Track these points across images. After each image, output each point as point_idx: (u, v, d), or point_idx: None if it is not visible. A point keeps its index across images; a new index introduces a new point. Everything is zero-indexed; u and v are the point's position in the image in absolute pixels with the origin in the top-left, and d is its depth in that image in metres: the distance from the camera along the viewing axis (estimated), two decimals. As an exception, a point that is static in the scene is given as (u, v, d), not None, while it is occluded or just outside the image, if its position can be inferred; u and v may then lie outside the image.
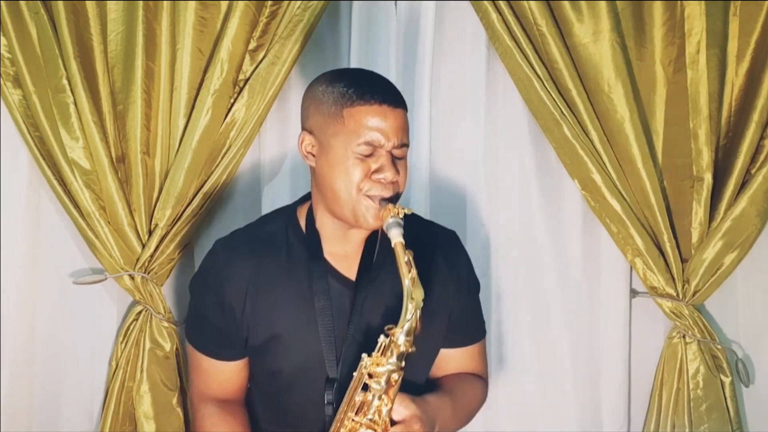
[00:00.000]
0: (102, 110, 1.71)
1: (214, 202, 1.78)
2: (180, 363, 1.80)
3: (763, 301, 1.81)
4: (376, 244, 1.38)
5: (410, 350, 1.24)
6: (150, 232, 1.75)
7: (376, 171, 1.27)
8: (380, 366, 1.24)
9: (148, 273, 1.75)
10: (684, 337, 1.78)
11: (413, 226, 1.31)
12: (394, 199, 1.29)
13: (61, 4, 1.66)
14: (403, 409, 1.26)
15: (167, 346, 1.78)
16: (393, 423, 1.26)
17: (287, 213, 1.42)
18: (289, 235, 1.38)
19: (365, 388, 1.26)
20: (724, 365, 1.77)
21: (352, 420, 1.26)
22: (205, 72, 1.72)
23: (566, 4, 1.70)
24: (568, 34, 1.71)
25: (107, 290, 1.82)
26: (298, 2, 1.71)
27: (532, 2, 1.69)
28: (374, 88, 1.28)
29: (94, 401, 1.82)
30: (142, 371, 1.77)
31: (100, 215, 1.72)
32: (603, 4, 1.68)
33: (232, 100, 1.74)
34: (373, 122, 1.26)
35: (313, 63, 1.82)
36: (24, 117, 1.72)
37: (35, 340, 1.81)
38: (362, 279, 1.36)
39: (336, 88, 1.28)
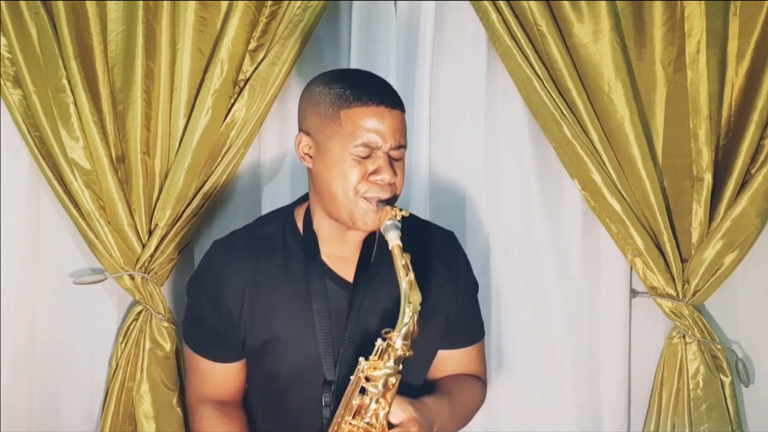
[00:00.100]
0: (102, 110, 1.71)
1: (214, 202, 1.78)
2: (180, 363, 1.80)
3: (763, 301, 1.81)
4: (373, 246, 1.37)
5: (407, 354, 1.24)
6: (150, 232, 1.75)
7: (374, 173, 1.27)
8: (377, 370, 1.24)
9: (148, 273, 1.75)
10: (684, 337, 1.78)
11: (411, 226, 1.31)
12: (391, 200, 1.29)
13: (61, 4, 1.66)
14: (400, 412, 1.26)
15: (167, 346, 1.78)
16: (390, 426, 1.26)
17: (285, 214, 1.42)
18: (286, 237, 1.38)
19: (362, 391, 1.25)
20: (724, 365, 1.77)
21: (350, 423, 1.26)
22: (205, 72, 1.72)
23: (566, 4, 1.70)
24: (568, 34, 1.71)
25: (107, 290, 1.82)
26: (298, 2, 1.71)
27: (532, 2, 1.69)
28: (371, 90, 1.28)
29: (94, 401, 1.82)
30: (142, 371, 1.77)
31: (100, 215, 1.72)
32: (603, 4, 1.68)
33: (232, 100, 1.74)
34: (370, 124, 1.25)
35: (313, 63, 1.82)
36: (24, 117, 1.72)
37: (35, 340, 1.81)
38: (360, 281, 1.36)
39: (333, 89, 1.28)
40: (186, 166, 1.71)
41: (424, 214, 1.78)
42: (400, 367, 1.24)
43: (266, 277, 1.35)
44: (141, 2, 1.68)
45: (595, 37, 1.70)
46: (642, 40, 1.74)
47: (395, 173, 1.28)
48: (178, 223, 1.74)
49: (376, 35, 1.80)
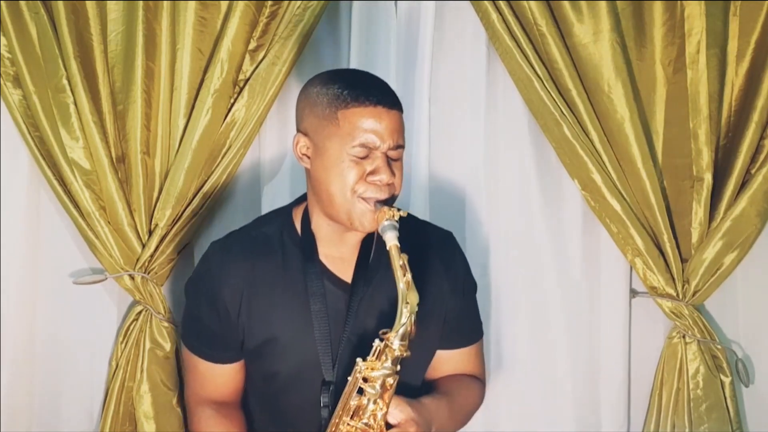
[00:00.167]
0: (102, 110, 1.71)
1: (214, 202, 1.78)
2: (180, 363, 1.80)
3: (763, 301, 1.81)
4: (372, 247, 1.37)
5: (405, 354, 1.23)
6: (150, 232, 1.75)
7: (372, 173, 1.26)
8: (375, 370, 1.23)
9: (148, 273, 1.75)
10: (684, 337, 1.78)
11: (409, 227, 1.30)
12: (389, 201, 1.28)
13: (61, 4, 1.66)
14: (398, 412, 1.26)
15: (167, 346, 1.78)
16: (389, 426, 1.26)
17: (283, 215, 1.42)
18: (284, 238, 1.37)
19: (360, 392, 1.25)
20: (724, 365, 1.77)
21: (348, 424, 1.26)
22: (205, 72, 1.72)
23: (566, 4, 1.70)
24: (568, 34, 1.71)
25: (107, 290, 1.82)
26: (298, 2, 1.71)
27: (532, 2, 1.69)
28: (369, 90, 1.27)
29: (94, 401, 1.82)
30: (142, 371, 1.77)
31: (100, 215, 1.72)
32: (603, 4, 1.68)
33: (232, 100, 1.74)
34: (368, 124, 1.25)
35: (313, 63, 1.82)
36: (24, 117, 1.72)
37: (35, 340, 1.81)
38: (358, 281, 1.35)
39: (330, 89, 1.28)
40: (186, 166, 1.71)
41: (423, 214, 1.78)
42: (398, 367, 1.24)
43: (264, 278, 1.34)
44: (141, 2, 1.68)
45: (595, 37, 1.70)
46: (642, 40, 1.74)
47: (393, 173, 1.28)
48: (178, 223, 1.74)
49: (376, 35, 1.80)
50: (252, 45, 1.74)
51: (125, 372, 1.77)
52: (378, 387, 1.23)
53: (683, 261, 1.75)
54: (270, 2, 1.72)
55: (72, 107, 1.68)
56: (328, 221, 1.33)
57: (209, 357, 1.39)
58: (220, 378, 1.40)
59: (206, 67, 1.72)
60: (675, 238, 1.74)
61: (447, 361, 1.47)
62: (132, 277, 1.75)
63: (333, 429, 1.28)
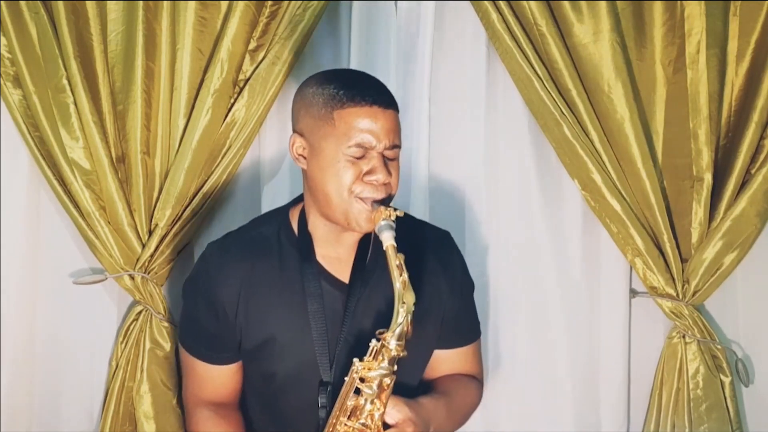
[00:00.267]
0: (102, 110, 1.71)
1: (214, 202, 1.78)
2: (180, 363, 1.80)
3: (763, 301, 1.81)
4: (369, 247, 1.37)
5: (402, 354, 1.23)
6: (150, 232, 1.75)
7: (368, 173, 1.26)
8: (372, 370, 1.23)
9: (148, 273, 1.75)
10: (684, 337, 1.78)
11: (406, 226, 1.30)
12: (386, 201, 1.28)
13: (61, 4, 1.66)
14: (396, 412, 1.26)
15: (167, 346, 1.78)
16: (386, 426, 1.26)
17: (280, 215, 1.41)
18: (281, 238, 1.37)
19: (357, 392, 1.25)
20: (724, 365, 1.77)
21: (345, 424, 1.26)
22: (205, 72, 1.72)
23: (566, 4, 1.70)
24: (568, 34, 1.71)
25: (107, 290, 1.82)
26: (298, 2, 1.71)
27: (532, 2, 1.69)
28: (364, 90, 1.27)
29: (94, 401, 1.82)
30: (142, 371, 1.76)
31: (100, 215, 1.72)
32: (603, 4, 1.68)
33: (232, 100, 1.74)
34: (363, 124, 1.25)
35: (313, 63, 1.82)
36: (24, 117, 1.72)
37: (35, 340, 1.81)
38: (355, 282, 1.35)
39: (326, 89, 1.28)
40: (186, 166, 1.71)
41: (423, 214, 1.78)
42: (395, 367, 1.24)
43: (261, 279, 1.34)
44: (141, 2, 1.68)
45: (595, 37, 1.70)
46: (642, 40, 1.74)
47: (390, 173, 1.28)
48: (178, 223, 1.74)
49: (376, 35, 1.80)
50: (252, 45, 1.74)
51: (125, 372, 1.77)
52: (375, 387, 1.23)
53: (683, 261, 1.75)
54: (270, 2, 1.72)
55: (72, 107, 1.68)
56: (324, 221, 1.33)
57: (207, 358, 1.39)
58: (218, 379, 1.39)
59: (206, 67, 1.72)
60: (675, 238, 1.74)
61: (445, 361, 1.47)
62: (132, 277, 1.75)
63: (330, 429, 1.27)
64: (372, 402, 1.24)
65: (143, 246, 1.74)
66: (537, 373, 1.85)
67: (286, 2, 1.72)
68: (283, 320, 1.34)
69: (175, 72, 1.72)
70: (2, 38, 1.70)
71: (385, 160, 1.28)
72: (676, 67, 1.73)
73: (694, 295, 1.74)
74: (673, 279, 1.75)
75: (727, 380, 1.77)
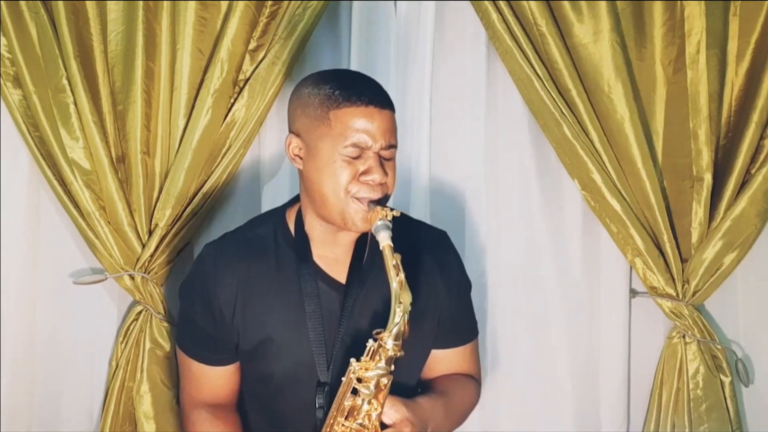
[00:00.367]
0: (102, 110, 1.71)
1: (214, 202, 1.78)
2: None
3: (763, 301, 1.81)
4: (365, 247, 1.37)
5: (399, 354, 1.23)
6: (150, 232, 1.75)
7: (364, 173, 1.26)
8: (369, 370, 1.23)
9: (148, 273, 1.75)
10: (684, 337, 1.78)
11: (403, 226, 1.30)
12: (382, 201, 1.28)
13: (61, 4, 1.66)
14: (393, 412, 1.25)
15: (167, 346, 1.78)
16: (384, 426, 1.26)
17: (276, 216, 1.41)
18: (278, 239, 1.37)
19: (355, 392, 1.25)
20: (724, 365, 1.77)
21: (342, 425, 1.26)
22: (205, 72, 1.72)
23: (566, 4, 1.70)
24: (568, 34, 1.71)
25: (107, 290, 1.82)
26: (298, 2, 1.71)
27: (532, 2, 1.69)
28: (360, 90, 1.27)
29: (94, 401, 1.82)
30: (142, 371, 1.77)
31: (100, 215, 1.72)
32: (603, 4, 1.68)
33: (232, 100, 1.74)
34: (359, 124, 1.25)
35: (313, 63, 1.82)
36: (24, 117, 1.72)
37: (35, 340, 1.81)
38: (352, 282, 1.35)
39: (322, 90, 1.27)
40: (186, 166, 1.71)
41: (424, 214, 1.79)
42: (392, 367, 1.24)
43: (258, 280, 1.34)
44: (141, 2, 1.68)
45: (595, 37, 1.70)
46: (642, 40, 1.74)
47: (386, 173, 1.27)
48: (178, 223, 1.74)
49: (376, 35, 1.80)
50: (252, 45, 1.74)
51: (125, 372, 1.77)
52: (372, 387, 1.23)
53: (683, 261, 1.75)
54: (270, 2, 1.72)
55: (72, 107, 1.68)
56: (321, 222, 1.33)
57: (204, 359, 1.38)
58: (215, 380, 1.39)
59: (206, 67, 1.72)
60: (675, 238, 1.74)
61: (442, 361, 1.47)
62: (132, 277, 1.75)
63: (328, 430, 1.27)
64: (369, 402, 1.24)
65: (143, 246, 1.74)
66: (537, 373, 1.85)
67: (286, 2, 1.72)
68: (281, 321, 1.34)
69: (175, 72, 1.72)
70: (2, 38, 1.70)
71: (382, 160, 1.27)
72: (676, 67, 1.73)
73: (694, 295, 1.74)
74: (673, 279, 1.75)
75: (727, 380, 1.77)
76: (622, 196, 1.73)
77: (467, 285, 1.51)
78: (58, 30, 1.67)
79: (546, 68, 1.72)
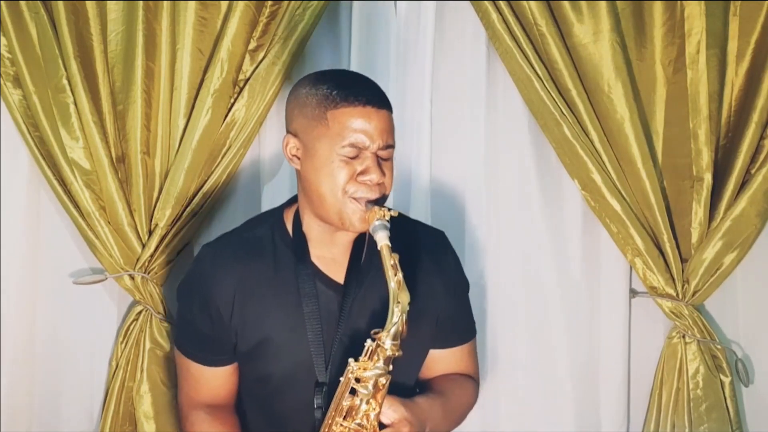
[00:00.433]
0: (102, 110, 1.71)
1: (214, 202, 1.78)
2: (180, 363, 1.80)
3: (763, 301, 1.81)
4: (363, 247, 1.37)
5: (397, 354, 1.23)
6: (150, 232, 1.75)
7: (362, 173, 1.26)
8: (367, 370, 1.23)
9: (148, 273, 1.75)
10: (684, 337, 1.78)
11: (400, 226, 1.30)
12: (380, 201, 1.28)
13: (61, 4, 1.66)
14: (391, 412, 1.25)
15: (167, 346, 1.78)
16: (382, 426, 1.26)
17: (274, 216, 1.41)
18: (275, 239, 1.37)
19: (353, 392, 1.25)
20: (724, 365, 1.77)
21: (341, 425, 1.26)
22: (205, 72, 1.72)
23: (566, 4, 1.70)
24: (568, 34, 1.71)
25: (107, 290, 1.82)
26: (298, 2, 1.71)
27: (532, 2, 1.69)
28: (358, 90, 1.27)
29: (94, 401, 1.82)
30: (142, 371, 1.77)
31: (100, 215, 1.72)
32: (603, 4, 1.68)
33: (232, 100, 1.74)
34: (357, 124, 1.25)
35: (313, 63, 1.82)
36: (24, 117, 1.72)
37: (35, 340, 1.81)
38: (350, 282, 1.35)
39: (319, 90, 1.27)
40: (186, 166, 1.71)
41: (424, 213, 1.79)
42: (390, 367, 1.24)
43: (256, 280, 1.34)
44: (141, 2, 1.69)
45: (595, 37, 1.70)
46: (642, 40, 1.74)
47: (383, 173, 1.27)
48: (178, 223, 1.74)
49: (376, 35, 1.80)
50: (252, 45, 1.74)
51: (125, 372, 1.77)
52: (370, 387, 1.23)
53: (683, 261, 1.75)
54: (270, 2, 1.72)
55: (72, 107, 1.68)
56: (318, 222, 1.33)
57: (202, 360, 1.38)
58: (213, 381, 1.39)
59: (206, 67, 1.72)
60: (675, 238, 1.74)
61: (440, 361, 1.47)
62: (132, 277, 1.75)
63: (326, 430, 1.27)
64: (368, 402, 1.24)
65: (143, 246, 1.74)
66: (537, 373, 1.85)
67: (286, 2, 1.72)
68: (279, 321, 1.33)
69: (175, 72, 1.72)
70: (2, 38, 1.71)
71: (379, 160, 1.27)
72: (676, 67, 1.73)
73: (694, 295, 1.74)
74: (673, 279, 1.75)
75: (727, 380, 1.77)
76: (622, 196, 1.73)
77: (465, 285, 1.51)
78: (58, 30, 1.67)
79: (546, 68, 1.72)
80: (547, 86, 1.72)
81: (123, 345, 1.78)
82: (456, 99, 1.84)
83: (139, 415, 1.76)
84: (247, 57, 1.74)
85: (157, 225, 1.73)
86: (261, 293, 1.34)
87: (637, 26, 1.73)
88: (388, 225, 1.23)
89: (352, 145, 1.25)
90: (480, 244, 1.84)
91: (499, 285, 1.85)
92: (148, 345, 1.77)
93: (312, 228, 1.35)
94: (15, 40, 1.70)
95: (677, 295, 1.75)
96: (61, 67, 1.67)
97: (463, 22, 1.81)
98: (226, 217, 1.84)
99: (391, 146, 1.29)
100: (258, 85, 1.73)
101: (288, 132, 1.33)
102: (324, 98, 1.26)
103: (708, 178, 1.71)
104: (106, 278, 1.77)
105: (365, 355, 1.24)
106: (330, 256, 1.36)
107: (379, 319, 1.25)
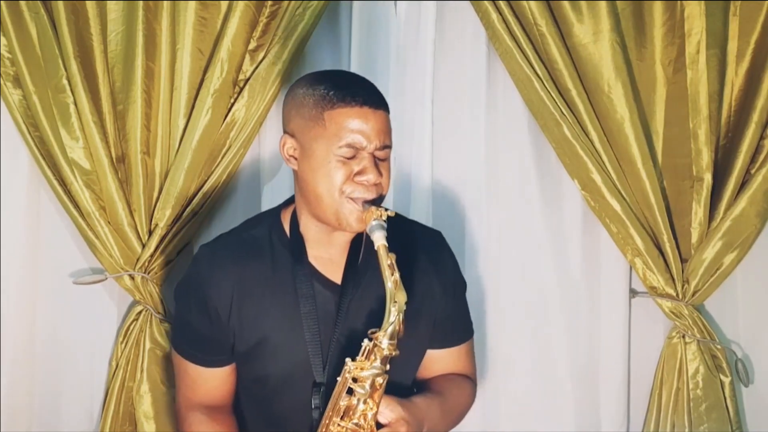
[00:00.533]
0: (102, 110, 1.71)
1: (214, 202, 1.78)
2: (180, 363, 1.80)
3: (763, 301, 1.81)
4: (361, 248, 1.37)
5: (394, 353, 1.23)
6: (150, 232, 1.75)
7: (359, 173, 1.26)
8: (364, 370, 1.23)
9: (148, 273, 1.75)
10: (684, 337, 1.78)
11: (398, 227, 1.30)
12: (377, 201, 1.28)
13: (61, 4, 1.66)
14: (389, 412, 1.25)
15: (167, 346, 1.78)
16: (379, 426, 1.26)
17: (271, 217, 1.41)
18: (273, 240, 1.37)
19: (350, 392, 1.25)
20: (724, 365, 1.77)
21: (338, 425, 1.25)
22: (205, 72, 1.72)
23: (566, 4, 1.70)
24: (568, 34, 1.71)
25: (107, 290, 1.82)
26: (298, 2, 1.71)
27: (532, 2, 1.69)
28: (355, 90, 1.27)
29: (94, 401, 1.82)
30: (142, 371, 1.77)
31: (100, 215, 1.72)
32: (603, 4, 1.68)
33: (232, 100, 1.74)
34: (354, 124, 1.25)
35: (313, 63, 1.82)
36: (24, 117, 1.73)
37: (35, 340, 1.81)
38: (347, 282, 1.35)
39: (317, 90, 1.27)
40: (186, 166, 1.71)
41: (425, 213, 1.79)
42: (387, 367, 1.24)
43: (254, 281, 1.34)
44: (141, 2, 1.69)
45: (595, 37, 1.70)
46: (642, 40, 1.74)
47: (380, 173, 1.27)
48: (178, 223, 1.74)
49: (376, 35, 1.80)
50: (252, 45, 1.74)
51: (125, 372, 1.77)
52: (367, 387, 1.23)
53: (683, 261, 1.75)
54: (270, 2, 1.72)
55: (72, 107, 1.68)
56: (316, 222, 1.33)
57: (200, 361, 1.38)
58: (211, 382, 1.39)
59: (206, 67, 1.72)
60: (675, 238, 1.74)
61: (438, 361, 1.47)
62: (132, 277, 1.75)
63: (323, 430, 1.27)
64: (365, 402, 1.24)
65: (143, 246, 1.74)
66: (537, 373, 1.85)
67: (286, 2, 1.72)
68: (276, 322, 1.33)
69: (175, 72, 1.72)
70: (2, 38, 1.71)
71: (376, 161, 1.27)
72: (676, 67, 1.73)
73: (693, 295, 1.74)
74: (673, 279, 1.75)
75: (726, 380, 1.77)
76: (622, 196, 1.73)
77: (462, 285, 1.51)
78: (58, 30, 1.67)
79: (546, 68, 1.72)
80: (547, 86, 1.72)
81: (123, 345, 1.78)
82: (456, 99, 1.84)
83: (139, 415, 1.76)
84: (247, 57, 1.74)
85: (157, 225, 1.73)
86: (259, 294, 1.34)
87: (637, 26, 1.73)
88: (385, 225, 1.23)
89: (349, 146, 1.25)
90: (480, 243, 1.84)
91: (499, 285, 1.85)
92: (148, 345, 1.77)
93: (309, 228, 1.35)
94: (15, 40, 1.70)
95: (677, 295, 1.75)
96: (61, 67, 1.67)
97: (463, 22, 1.81)
98: (226, 217, 1.84)
99: (388, 147, 1.29)
100: (258, 85, 1.73)
101: (285, 132, 1.33)
102: (321, 99, 1.26)
103: (708, 178, 1.71)
104: (106, 278, 1.77)
105: (362, 354, 1.24)
106: (327, 257, 1.36)
107: (377, 319, 1.25)
